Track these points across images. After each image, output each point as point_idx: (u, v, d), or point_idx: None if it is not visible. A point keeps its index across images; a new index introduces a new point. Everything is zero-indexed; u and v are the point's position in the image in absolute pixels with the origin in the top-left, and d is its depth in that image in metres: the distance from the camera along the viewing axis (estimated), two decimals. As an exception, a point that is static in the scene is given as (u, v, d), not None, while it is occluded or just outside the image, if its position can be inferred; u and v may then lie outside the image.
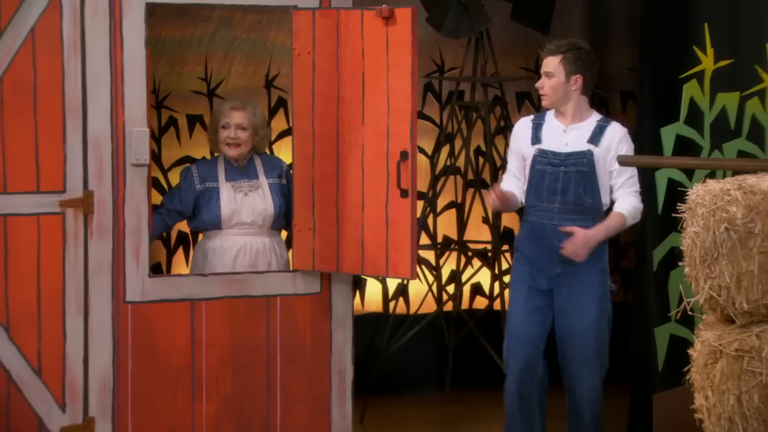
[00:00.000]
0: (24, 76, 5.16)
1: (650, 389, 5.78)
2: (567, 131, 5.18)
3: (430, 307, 7.05)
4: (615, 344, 7.04)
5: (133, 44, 5.29)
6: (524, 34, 7.21)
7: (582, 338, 5.16)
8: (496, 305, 7.04)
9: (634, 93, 7.21)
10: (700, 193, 4.34)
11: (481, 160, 7.15)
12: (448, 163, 7.07)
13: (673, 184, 5.58)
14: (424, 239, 7.10)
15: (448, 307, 7.05)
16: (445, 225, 7.20)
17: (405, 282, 7.06)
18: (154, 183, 6.00)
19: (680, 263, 4.44)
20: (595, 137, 5.14)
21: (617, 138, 5.17)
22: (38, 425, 5.23)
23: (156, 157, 6.45)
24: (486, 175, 7.15)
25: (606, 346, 5.23)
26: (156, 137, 6.52)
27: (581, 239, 5.06)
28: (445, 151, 7.09)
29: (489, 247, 6.99)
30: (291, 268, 5.57)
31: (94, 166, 5.27)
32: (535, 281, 5.20)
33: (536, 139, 5.23)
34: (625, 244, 7.47)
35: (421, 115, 7.16)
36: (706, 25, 5.63)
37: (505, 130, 7.08)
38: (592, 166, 5.12)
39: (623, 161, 5.40)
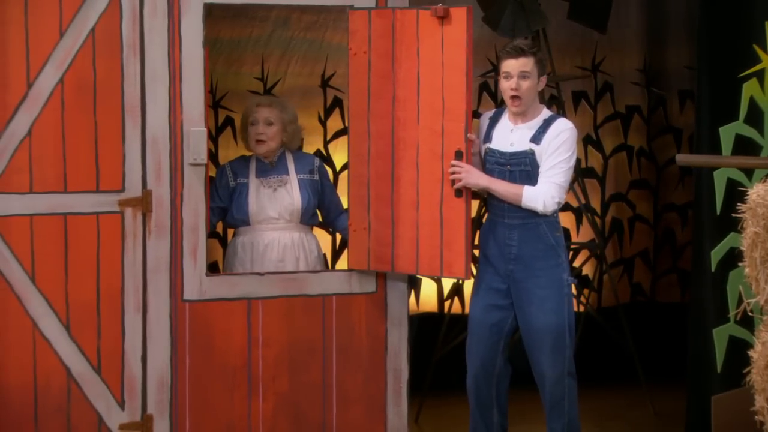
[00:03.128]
0: (84, 76, 5.22)
1: (708, 391, 5.73)
2: (513, 131, 5.20)
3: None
4: (672, 345, 7.00)
5: (192, 44, 5.33)
6: (581, 33, 7.18)
7: (540, 333, 5.18)
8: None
9: (692, 92, 7.15)
10: (760, 192, 4.30)
11: (536, 159, 7.13)
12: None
13: (732, 184, 5.53)
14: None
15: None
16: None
17: (460, 282, 7.05)
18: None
19: (740, 264, 4.40)
20: (538, 136, 5.15)
21: (555, 132, 5.13)
22: (98, 422, 5.28)
23: (213, 156, 6.49)
24: (542, 174, 7.12)
25: (567, 340, 5.18)
26: (213, 137, 6.56)
27: (466, 167, 5.10)
28: (500, 150, 7.06)
29: (545, 247, 6.96)
30: (328, 266, 5.57)
31: (153, 165, 5.32)
32: (494, 281, 5.26)
33: (487, 137, 5.28)
34: (683, 244, 7.42)
35: (476, 115, 7.14)
36: (766, 23, 5.57)
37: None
38: (535, 165, 5.14)
39: (681, 161, 5.35)
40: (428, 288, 7.13)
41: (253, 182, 5.64)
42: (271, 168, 5.67)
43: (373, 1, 5.47)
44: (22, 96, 5.16)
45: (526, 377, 5.34)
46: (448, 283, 7.14)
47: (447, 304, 7.10)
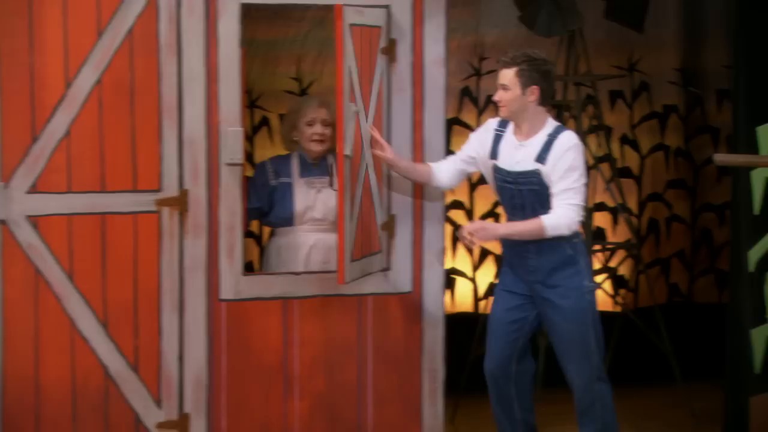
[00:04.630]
0: (122, 76, 5.24)
1: (746, 392, 5.70)
2: (518, 148, 5.13)
3: (521, 307, 7.01)
4: (709, 346, 6.96)
5: (228, 45, 5.35)
6: (617, 32, 7.15)
7: (564, 343, 5.14)
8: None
9: (729, 91, 7.11)
10: (799, 192, 4.26)
11: (572, 159, 7.10)
12: (540, 162, 7.02)
13: (770, 184, 5.49)
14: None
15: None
16: (536, 224, 7.16)
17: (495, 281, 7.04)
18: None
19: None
20: (543, 155, 5.07)
21: (561, 152, 5.03)
22: (135, 420, 5.31)
23: (249, 156, 6.51)
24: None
25: (592, 347, 5.13)
26: (249, 137, 6.57)
27: (477, 226, 5.08)
28: (536, 150, 7.05)
29: (580, 247, 6.94)
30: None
31: (190, 165, 5.34)
32: (515, 285, 5.25)
33: (494, 153, 5.21)
34: (720, 244, 7.37)
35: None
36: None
37: (598, 129, 7.02)
38: (543, 183, 5.07)
39: (719, 160, 5.32)
40: (463, 288, 7.12)
41: (298, 182, 5.64)
42: (314, 168, 5.68)
43: (410, 2, 5.47)
44: (60, 96, 5.19)
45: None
46: (483, 283, 7.13)
47: (482, 304, 7.09)
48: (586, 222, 6.87)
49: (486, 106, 7.11)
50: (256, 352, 5.40)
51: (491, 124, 5.28)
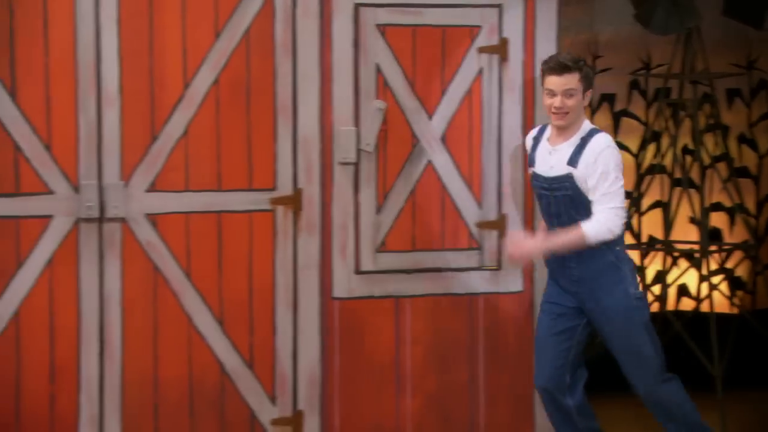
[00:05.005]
0: (238, 76, 5.31)
1: None
2: (552, 153, 5.01)
3: (635, 307, 6.93)
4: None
5: (342, 44, 5.38)
6: (735, 30, 7.02)
7: (618, 353, 5.02)
8: (704, 307, 6.87)
9: None
10: None
11: (688, 159, 7.00)
12: (654, 161, 6.94)
13: None
14: (629, 239, 6.99)
15: (654, 308, 6.92)
16: (651, 225, 7.08)
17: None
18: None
19: None
20: (574, 158, 4.94)
21: (593, 155, 4.89)
22: (250, 417, 5.37)
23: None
24: (694, 174, 6.99)
25: (648, 352, 4.98)
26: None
27: (515, 245, 4.98)
28: (651, 149, 6.96)
29: (696, 247, 6.84)
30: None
31: (304, 164, 5.38)
32: (561, 297, 5.09)
33: (531, 161, 5.11)
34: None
35: (626, 113, 7.05)
36: None
37: (715, 128, 6.91)
38: (576, 188, 4.93)
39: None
40: (576, 288, 7.06)
41: None
42: None
43: (522, 2, 5.45)
44: (179, 96, 5.28)
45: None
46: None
47: (595, 304, 7.02)
48: (702, 222, 6.78)
49: (599, 104, 7.04)
50: (368, 350, 5.42)
51: (529, 134, 5.19)
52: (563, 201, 4.95)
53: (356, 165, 5.42)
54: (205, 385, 5.31)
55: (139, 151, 5.26)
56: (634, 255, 7.02)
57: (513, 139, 5.53)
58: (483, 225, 5.51)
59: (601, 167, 4.89)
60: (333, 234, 5.40)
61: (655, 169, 6.92)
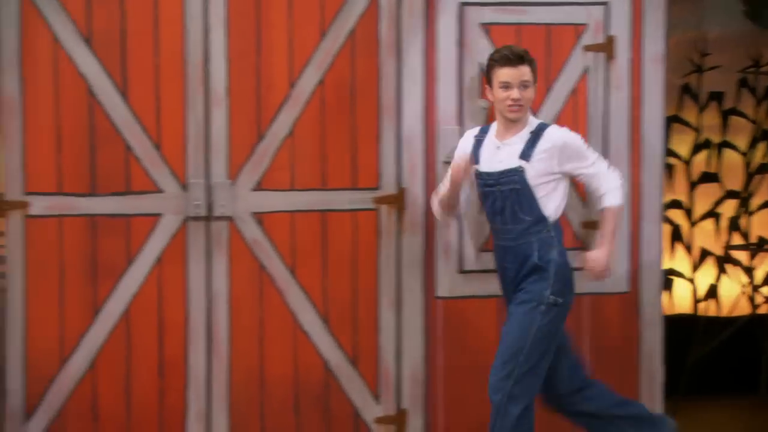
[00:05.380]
0: (343, 76, 5.34)
1: None
2: (500, 147, 4.90)
3: (743, 309, 6.83)
4: None
5: (447, 43, 5.38)
6: None
7: (502, 342, 4.82)
8: (816, 308, 6.75)
9: None
10: None
11: (799, 157, 6.88)
12: (764, 161, 6.82)
13: None
14: (737, 239, 6.88)
15: (763, 309, 6.80)
16: (760, 225, 6.96)
17: (715, 282, 6.88)
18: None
19: None
20: (527, 152, 4.83)
21: (557, 144, 4.81)
22: (354, 414, 5.40)
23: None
24: (804, 173, 6.87)
25: (519, 359, 4.76)
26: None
27: (592, 265, 4.83)
28: (760, 148, 6.84)
29: (807, 248, 6.71)
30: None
31: (407, 163, 5.39)
32: (508, 298, 4.97)
33: (475, 159, 4.97)
34: None
35: (734, 111, 6.94)
36: None
37: (827, 126, 6.77)
38: (524, 182, 4.81)
39: None
40: (682, 289, 6.97)
41: None
42: None
43: (629, 1, 5.40)
44: (285, 96, 5.33)
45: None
46: (702, 284, 6.96)
47: (702, 305, 6.93)
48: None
49: (708, 103, 6.94)
50: (472, 350, 5.41)
51: (470, 133, 5.06)
52: (509, 195, 4.84)
53: (460, 164, 5.42)
54: (310, 382, 5.35)
55: (245, 150, 5.31)
56: (742, 256, 6.91)
57: (620, 139, 5.47)
58: (588, 225, 5.47)
59: (572, 147, 4.82)
60: (436, 233, 5.41)
61: (765, 168, 6.80)
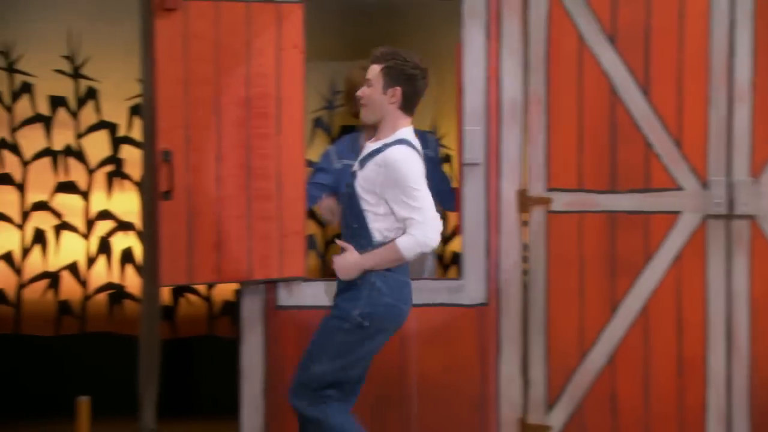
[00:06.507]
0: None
1: None
2: (365, 147, 4.73)
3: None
4: None
5: None
6: None
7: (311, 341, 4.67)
8: None
9: None
10: None
11: None
12: None
13: None
14: None
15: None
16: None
17: None
18: None
19: None
20: (365, 160, 4.64)
21: (382, 167, 4.55)
22: None
23: None
24: None
25: (313, 369, 4.58)
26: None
27: (338, 261, 4.63)
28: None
29: None
30: None
31: None
32: None
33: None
34: None
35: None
36: None
37: None
38: (354, 188, 4.65)
39: None
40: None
41: None
42: None
43: None
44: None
45: None
46: None
47: None
48: None
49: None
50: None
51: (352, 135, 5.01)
52: (346, 197, 4.71)
53: None
54: None
55: (770, 147, 5.20)
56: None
57: None
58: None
59: (395, 175, 4.55)
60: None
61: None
